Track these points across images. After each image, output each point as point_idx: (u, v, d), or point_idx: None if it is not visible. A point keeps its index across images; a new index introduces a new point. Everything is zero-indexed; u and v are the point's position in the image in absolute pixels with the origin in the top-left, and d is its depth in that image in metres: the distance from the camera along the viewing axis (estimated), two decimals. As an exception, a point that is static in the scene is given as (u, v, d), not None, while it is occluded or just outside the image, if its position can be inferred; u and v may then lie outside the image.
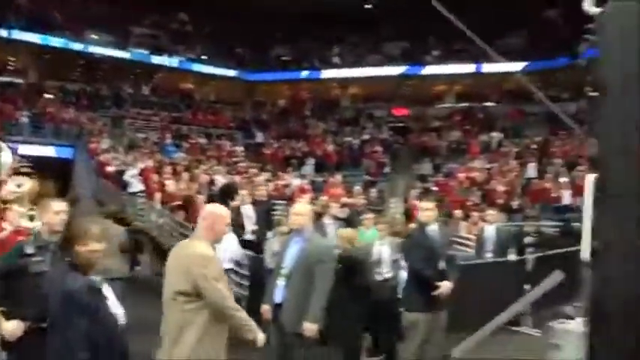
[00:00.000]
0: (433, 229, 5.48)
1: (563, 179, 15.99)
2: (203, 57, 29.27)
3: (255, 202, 10.05)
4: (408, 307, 5.50)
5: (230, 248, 7.43)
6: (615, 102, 3.15)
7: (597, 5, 3.23)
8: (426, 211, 5.52)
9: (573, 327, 3.57)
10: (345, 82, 29.87)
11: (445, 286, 5.30)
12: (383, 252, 6.96)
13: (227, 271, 7.32)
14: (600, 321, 3.16)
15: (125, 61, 27.07)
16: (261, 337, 3.88)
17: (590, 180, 3.08)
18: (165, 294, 3.82)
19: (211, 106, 29.04)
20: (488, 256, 9.43)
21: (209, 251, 3.77)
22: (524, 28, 25.96)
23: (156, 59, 27.72)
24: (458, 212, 14.57)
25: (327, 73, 29.49)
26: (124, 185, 15.31)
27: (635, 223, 3.06)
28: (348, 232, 6.82)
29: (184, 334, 3.64)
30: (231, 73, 29.65)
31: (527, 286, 7.72)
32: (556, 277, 3.48)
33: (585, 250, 3.10)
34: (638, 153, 3.02)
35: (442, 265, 5.37)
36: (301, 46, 30.31)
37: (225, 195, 12.89)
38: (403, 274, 6.21)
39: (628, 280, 3.07)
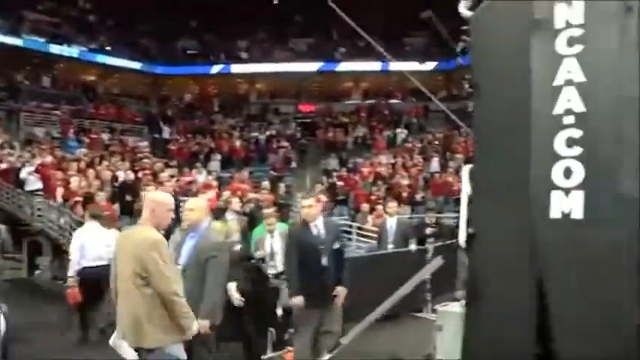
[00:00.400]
0: (317, 224, 5.57)
1: (464, 173, 16.68)
2: (106, 48, 28.21)
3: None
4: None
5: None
6: (486, 99, 3.41)
7: (470, 9, 3.48)
8: (306, 208, 5.60)
9: (454, 308, 3.81)
10: (252, 78, 29.76)
11: (340, 294, 5.49)
12: (274, 245, 7.03)
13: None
14: (475, 301, 3.41)
15: (18, 49, 25.29)
16: (195, 327, 3.98)
17: (466, 171, 3.32)
18: (119, 282, 3.89)
19: (115, 100, 28.10)
20: (390, 247, 9.71)
21: (158, 236, 3.88)
22: (427, 28, 26.83)
23: (54, 48, 26.26)
24: (365, 206, 15.03)
25: (234, 68, 29.27)
26: (21, 184, 14.60)
27: (504, 212, 3.32)
28: (218, 225, 6.78)
29: (152, 319, 3.73)
30: (137, 65, 28.81)
31: (427, 275, 8.06)
32: (436, 262, 3.70)
33: (462, 237, 3.33)
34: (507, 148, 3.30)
35: (324, 261, 5.45)
36: (208, 40, 29.93)
37: (125, 192, 12.63)
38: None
39: (498, 265, 3.34)
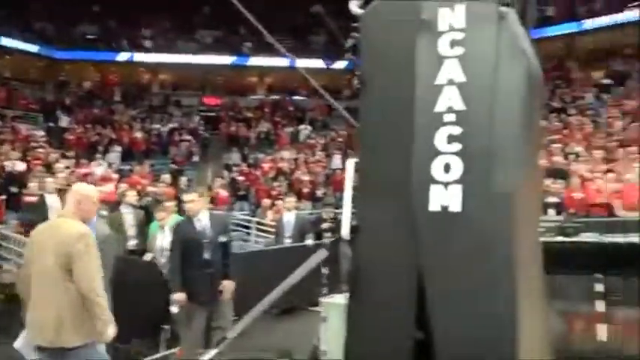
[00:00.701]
0: (200, 219, 5.58)
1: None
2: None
3: (60, 191, 9.58)
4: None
5: None
6: (372, 95, 3.51)
7: (361, 7, 3.58)
8: (188, 202, 5.64)
9: (338, 300, 3.89)
10: (155, 68, 28.95)
11: (227, 288, 5.54)
12: (164, 241, 6.92)
13: None
14: (357, 293, 3.51)
15: None
16: (110, 332, 3.77)
17: (350, 164, 3.41)
18: (38, 279, 3.66)
19: (6, 83, 26.39)
20: (288, 242, 9.79)
21: (86, 229, 3.74)
22: (336, 25, 27.09)
23: None
24: (266, 201, 15.07)
25: (137, 57, 28.34)
26: None
27: (387, 205, 3.44)
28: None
29: (76, 317, 3.57)
30: (32, 47, 27.21)
31: (324, 269, 8.15)
32: (320, 254, 3.78)
33: (345, 230, 3.42)
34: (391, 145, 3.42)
35: (207, 255, 5.49)
36: (111, 26, 28.82)
37: (11, 183, 12.00)
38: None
39: (380, 257, 3.45)
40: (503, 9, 3.38)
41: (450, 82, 3.39)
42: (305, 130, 24.52)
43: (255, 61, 28.22)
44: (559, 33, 24.01)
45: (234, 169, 20.18)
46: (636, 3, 22.27)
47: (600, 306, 7.87)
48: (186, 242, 5.53)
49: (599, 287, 8.74)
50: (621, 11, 22.67)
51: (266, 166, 19.51)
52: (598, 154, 14.01)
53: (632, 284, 8.58)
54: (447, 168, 3.36)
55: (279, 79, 29.15)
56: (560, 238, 9.98)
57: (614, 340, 6.60)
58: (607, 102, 20.47)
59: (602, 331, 6.72)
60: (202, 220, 5.58)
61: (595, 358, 5.71)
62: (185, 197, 5.81)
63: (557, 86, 22.57)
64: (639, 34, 21.39)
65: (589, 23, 23.60)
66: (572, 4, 25.09)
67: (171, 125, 24.80)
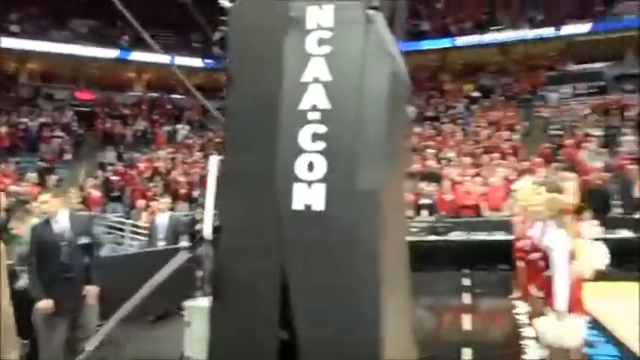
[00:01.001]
0: (58, 220, 5.28)
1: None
2: None
3: None
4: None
5: None
6: (239, 91, 3.45)
7: (231, 0, 3.50)
8: (43, 203, 5.37)
9: (202, 303, 3.78)
10: (23, 56, 26.85)
11: (91, 292, 5.24)
12: (22, 247, 6.47)
13: None
14: (221, 294, 3.42)
15: None
16: (15, 356, 3.31)
17: (214, 163, 3.32)
18: None
19: None
20: (161, 244, 9.52)
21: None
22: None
23: None
24: (141, 202, 14.56)
25: (2, 42, 26.10)
26: None
27: (251, 203, 3.38)
28: None
29: None
30: None
31: (199, 272, 7.96)
32: (182, 256, 3.66)
33: (207, 229, 3.32)
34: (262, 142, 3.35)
35: (65, 258, 5.17)
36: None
37: None
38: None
39: (244, 257, 3.38)
40: (372, 12, 3.42)
41: (316, 80, 3.38)
42: (183, 129, 23.98)
43: (132, 55, 27.06)
44: (434, 47, 25.77)
45: (109, 168, 19.40)
46: (499, 27, 24.90)
47: (467, 298, 8.43)
48: (42, 245, 5.17)
49: (466, 281, 9.41)
50: (487, 32, 25.02)
51: (142, 165, 18.93)
52: (467, 159, 14.92)
53: (495, 277, 9.33)
54: (310, 167, 3.35)
55: (157, 76, 28.17)
56: (432, 237, 10.70)
57: (478, 328, 7.00)
58: (475, 112, 21.95)
59: (467, 321, 7.13)
60: (60, 222, 5.25)
61: (461, 346, 6.00)
62: (40, 198, 5.46)
63: (432, 96, 23.97)
64: (501, 54, 25.08)
65: (460, 40, 25.41)
66: (445, 22, 26.71)
67: (41, 120, 23.26)
